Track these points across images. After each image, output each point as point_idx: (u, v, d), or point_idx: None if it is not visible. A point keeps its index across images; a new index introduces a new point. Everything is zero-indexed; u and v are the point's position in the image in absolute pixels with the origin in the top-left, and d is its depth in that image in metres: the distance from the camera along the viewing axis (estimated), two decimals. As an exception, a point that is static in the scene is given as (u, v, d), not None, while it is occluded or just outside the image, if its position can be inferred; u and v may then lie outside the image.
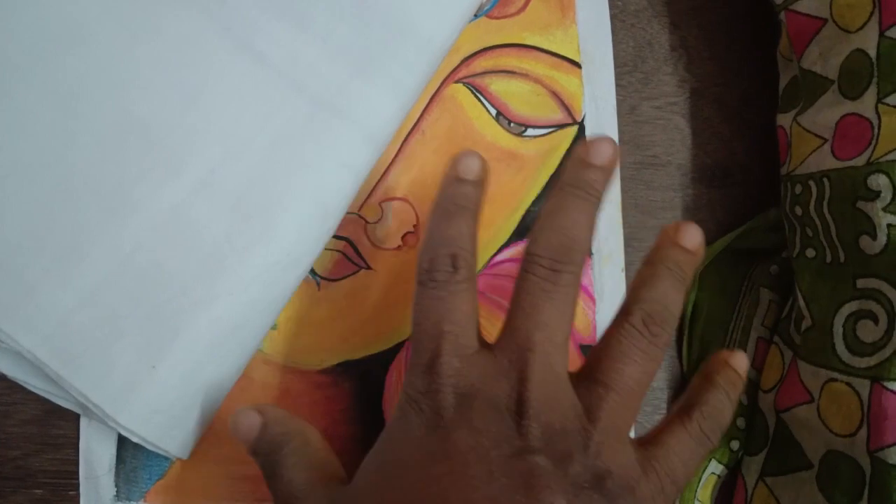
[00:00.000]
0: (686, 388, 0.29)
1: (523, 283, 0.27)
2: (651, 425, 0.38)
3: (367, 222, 0.37)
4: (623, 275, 0.38)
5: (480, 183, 0.30)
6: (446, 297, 0.27)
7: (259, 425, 0.29)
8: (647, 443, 0.27)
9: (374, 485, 0.26)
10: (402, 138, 0.37)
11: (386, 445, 0.27)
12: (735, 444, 0.36)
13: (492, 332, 0.36)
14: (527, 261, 0.28)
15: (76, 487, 0.34)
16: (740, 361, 0.29)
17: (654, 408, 0.38)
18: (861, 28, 0.31)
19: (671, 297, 0.28)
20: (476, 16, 0.38)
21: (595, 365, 0.27)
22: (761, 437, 0.35)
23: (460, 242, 0.28)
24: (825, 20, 0.33)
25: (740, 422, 0.36)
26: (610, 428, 0.26)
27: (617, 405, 0.26)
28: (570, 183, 0.28)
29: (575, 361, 0.36)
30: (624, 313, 0.28)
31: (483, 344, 0.28)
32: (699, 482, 0.36)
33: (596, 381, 0.26)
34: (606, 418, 0.26)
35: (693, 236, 0.29)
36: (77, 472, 0.34)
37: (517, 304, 0.27)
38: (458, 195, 0.29)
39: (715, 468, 0.36)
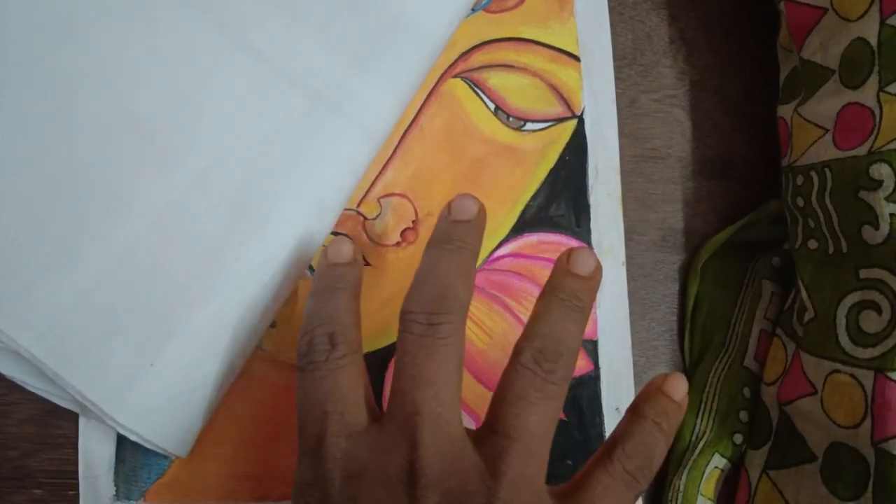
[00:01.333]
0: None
1: (402, 343, 0.26)
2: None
3: (365, 218, 0.36)
4: (623, 268, 0.37)
5: (354, 263, 0.30)
6: (327, 377, 0.27)
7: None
8: (568, 491, 0.26)
9: None
10: (401, 134, 0.37)
11: None
12: (738, 438, 0.36)
13: (492, 328, 0.36)
14: (402, 321, 0.27)
15: (75, 487, 0.33)
16: (676, 386, 0.28)
17: (656, 402, 0.38)
18: (862, 16, 0.31)
19: (565, 329, 0.26)
20: (473, 10, 0.38)
21: (493, 414, 0.26)
22: (764, 431, 0.35)
23: (337, 320, 0.28)
24: (825, 9, 0.32)
25: (743, 415, 0.36)
26: (518, 480, 0.24)
27: (521, 454, 0.25)
28: (441, 238, 0.29)
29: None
30: (515, 353, 0.26)
31: (373, 418, 0.27)
32: (702, 477, 0.35)
33: (496, 432, 0.25)
34: (512, 471, 0.24)
35: (585, 262, 0.28)
36: (76, 472, 0.33)
37: (399, 366, 0.26)
38: (332, 277, 0.29)
39: (718, 462, 0.36)
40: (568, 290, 0.27)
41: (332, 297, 0.29)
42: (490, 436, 0.25)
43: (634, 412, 0.28)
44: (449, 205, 0.29)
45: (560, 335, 0.26)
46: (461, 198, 0.29)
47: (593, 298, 0.28)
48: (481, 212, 0.29)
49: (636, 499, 0.26)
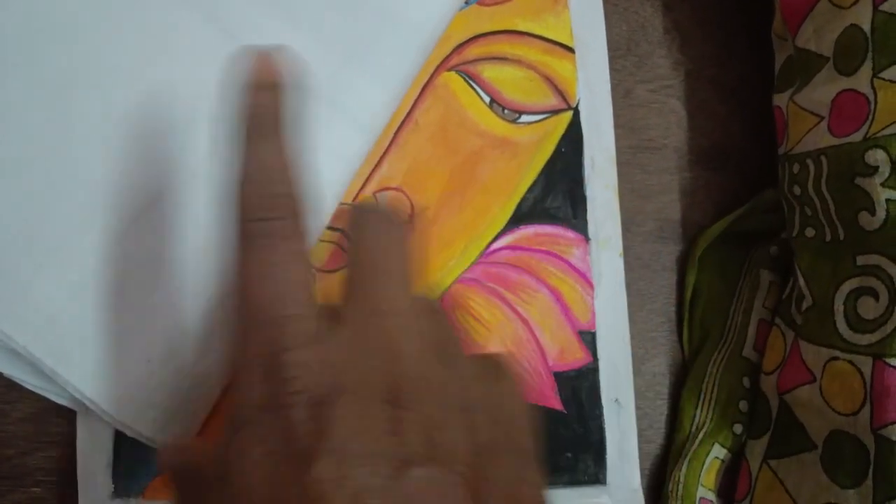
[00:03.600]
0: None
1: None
2: (653, 412, 0.37)
3: (362, 213, 0.36)
4: (621, 259, 0.37)
5: (281, 86, 0.23)
6: (284, 262, 0.21)
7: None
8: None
9: None
10: (396, 128, 0.37)
11: (224, 498, 0.20)
12: (738, 428, 0.36)
13: (490, 321, 0.36)
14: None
15: (74, 485, 0.33)
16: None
17: (655, 394, 0.38)
18: (855, 3, 0.31)
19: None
20: (467, 3, 0.38)
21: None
22: (764, 420, 0.35)
23: (286, 176, 0.22)
24: (818, -4, 0.32)
25: (743, 405, 0.36)
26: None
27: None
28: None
29: (575, 350, 0.36)
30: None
31: (328, 316, 0.21)
32: (703, 467, 0.35)
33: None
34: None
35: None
36: (75, 470, 0.33)
37: (351, 260, 0.23)
38: (258, 109, 0.23)
39: (719, 452, 0.36)
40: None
41: (264, 140, 0.22)
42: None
43: None
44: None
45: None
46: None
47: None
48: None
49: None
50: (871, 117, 0.29)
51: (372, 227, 0.23)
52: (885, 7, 0.29)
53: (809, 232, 0.33)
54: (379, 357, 0.20)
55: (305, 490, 0.18)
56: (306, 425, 0.19)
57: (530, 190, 0.37)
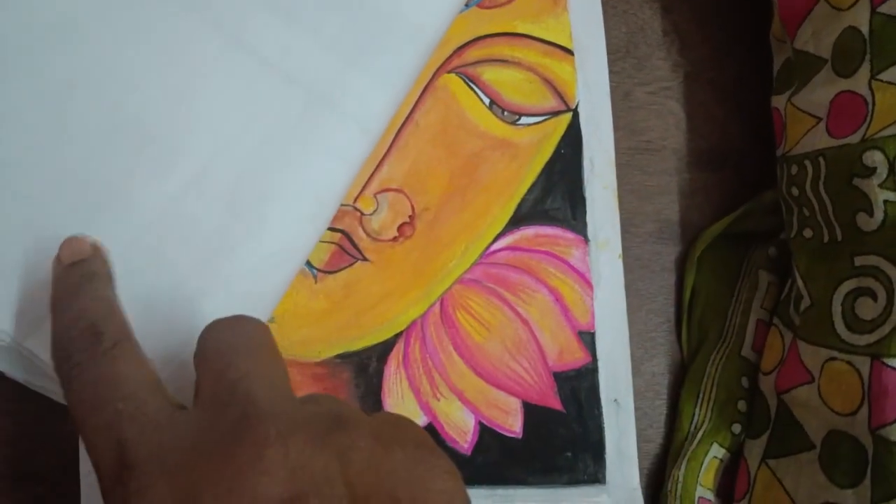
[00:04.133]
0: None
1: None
2: (652, 411, 0.38)
3: (362, 214, 0.36)
4: (620, 261, 0.37)
5: (95, 254, 0.27)
6: (100, 374, 0.22)
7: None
8: None
9: None
10: (396, 130, 0.37)
11: None
12: (737, 428, 0.36)
13: (490, 322, 0.36)
14: None
15: (76, 484, 0.33)
16: None
17: (654, 393, 0.38)
18: (853, 5, 0.31)
19: None
20: (467, 5, 0.38)
21: None
22: (763, 420, 0.35)
23: (93, 311, 0.24)
24: (817, -1, 0.33)
25: (742, 405, 0.36)
26: None
27: None
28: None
29: (574, 350, 0.36)
30: None
31: (172, 403, 0.23)
32: (701, 467, 0.36)
33: None
34: None
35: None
36: (77, 469, 0.33)
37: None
38: (73, 275, 0.26)
39: (717, 452, 0.36)
40: None
41: (78, 291, 0.25)
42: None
43: None
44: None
45: None
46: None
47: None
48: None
49: None
50: (869, 119, 0.30)
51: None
52: (883, 9, 0.29)
53: (808, 233, 0.33)
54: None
55: None
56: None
57: (530, 191, 0.37)
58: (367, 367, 0.35)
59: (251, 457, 0.19)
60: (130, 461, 0.20)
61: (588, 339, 0.37)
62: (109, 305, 0.25)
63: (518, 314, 0.36)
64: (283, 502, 0.18)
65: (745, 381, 0.37)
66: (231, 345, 0.24)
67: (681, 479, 0.35)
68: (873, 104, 0.30)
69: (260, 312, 0.33)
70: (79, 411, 0.22)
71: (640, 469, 0.36)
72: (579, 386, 0.36)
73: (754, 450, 0.35)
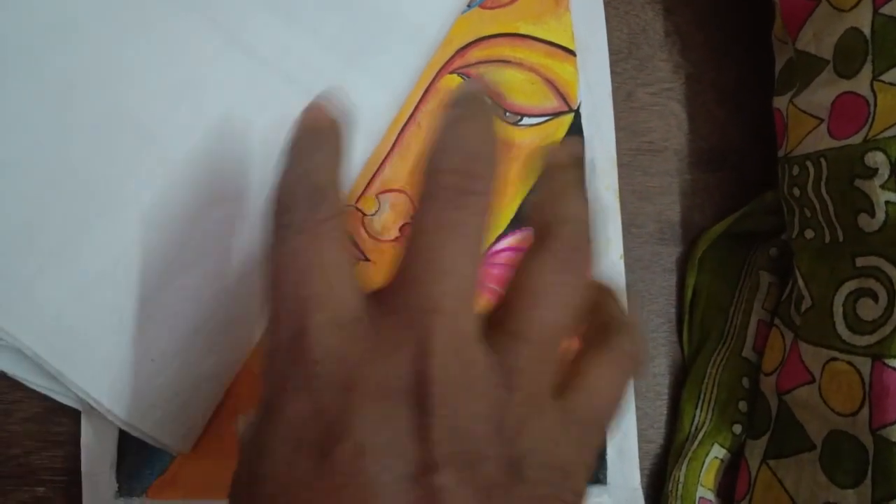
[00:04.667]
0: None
1: (422, 215, 0.21)
2: (653, 412, 0.38)
3: (364, 215, 0.37)
4: (622, 262, 0.37)
5: (337, 124, 0.24)
6: (307, 246, 0.21)
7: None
8: (563, 390, 0.22)
9: None
10: (398, 130, 0.37)
11: (242, 471, 0.21)
12: (738, 428, 0.36)
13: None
14: (426, 182, 0.21)
15: (78, 484, 0.33)
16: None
17: (655, 394, 0.38)
18: (855, 6, 0.31)
19: (585, 212, 0.22)
20: (469, 6, 0.38)
21: (505, 310, 0.21)
22: (764, 421, 0.35)
23: (318, 175, 0.22)
24: (818, 0, 0.33)
25: (742, 405, 0.36)
26: (532, 392, 0.20)
27: (537, 359, 0.21)
28: (460, 99, 0.23)
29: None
30: (539, 238, 0.22)
31: (368, 303, 0.21)
32: (702, 467, 0.36)
33: (508, 332, 0.21)
34: (528, 382, 0.20)
35: (565, 150, 0.24)
36: (79, 469, 0.34)
37: (412, 247, 0.21)
38: (309, 129, 0.24)
39: (718, 452, 0.36)
40: (575, 177, 0.23)
41: (311, 153, 0.23)
42: (501, 336, 0.21)
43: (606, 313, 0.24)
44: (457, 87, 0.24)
45: (585, 218, 0.23)
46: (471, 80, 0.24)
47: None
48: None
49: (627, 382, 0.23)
50: (870, 120, 0.30)
51: (438, 209, 0.21)
52: (885, 10, 0.29)
53: (809, 233, 0.33)
54: (408, 353, 0.19)
55: (322, 479, 0.18)
56: (328, 412, 0.19)
57: (532, 192, 0.37)
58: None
59: None
60: (303, 348, 0.20)
61: (589, 339, 0.37)
62: (335, 176, 0.23)
63: (519, 314, 0.36)
64: None
65: (745, 382, 0.37)
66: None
67: (681, 479, 0.35)
68: (875, 105, 0.30)
69: (263, 311, 0.33)
70: (271, 273, 0.22)
71: (641, 469, 0.36)
72: (581, 386, 0.36)
73: (755, 450, 0.35)
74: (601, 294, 0.25)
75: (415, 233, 0.21)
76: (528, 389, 0.20)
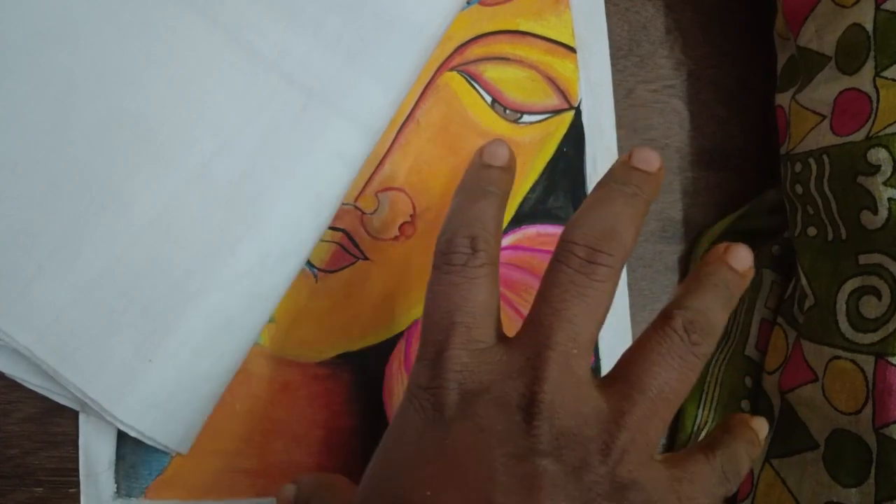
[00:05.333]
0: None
1: (554, 274, 0.25)
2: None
3: (363, 213, 0.36)
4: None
5: (508, 169, 0.29)
6: (462, 284, 0.25)
7: (293, 491, 0.29)
8: (669, 465, 0.25)
9: (370, 488, 0.24)
10: (398, 128, 0.37)
11: (386, 444, 0.25)
12: (740, 428, 0.36)
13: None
14: (560, 249, 0.25)
15: (76, 485, 0.33)
16: (761, 426, 0.28)
17: (657, 393, 0.38)
18: (857, 2, 0.31)
19: (716, 311, 0.25)
20: (469, 3, 0.38)
21: (626, 368, 0.25)
22: (766, 419, 0.34)
23: (481, 225, 0.26)
24: (820, -4, 0.32)
25: (745, 404, 0.36)
26: (638, 437, 0.23)
27: (647, 412, 0.23)
28: (617, 179, 0.26)
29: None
30: (664, 317, 0.25)
31: (500, 339, 0.26)
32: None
33: (627, 383, 0.24)
34: (635, 426, 0.23)
35: (744, 259, 0.26)
36: (77, 470, 0.33)
37: (543, 296, 0.25)
38: (483, 178, 0.28)
39: (720, 452, 0.36)
40: (722, 279, 0.26)
41: (479, 199, 0.27)
42: (618, 387, 0.24)
43: (729, 431, 0.27)
44: (630, 152, 0.27)
45: (711, 315, 0.25)
46: (641, 148, 0.27)
47: (739, 297, 0.27)
48: (660, 167, 0.27)
49: (699, 369, 0.25)
50: (873, 116, 0.29)
51: (570, 272, 0.25)
52: (887, 6, 0.29)
53: (811, 231, 0.33)
54: (525, 378, 0.24)
55: (443, 444, 0.23)
56: (454, 406, 0.24)
57: (532, 190, 0.37)
58: (368, 367, 0.35)
59: None
60: (442, 361, 0.25)
61: (590, 338, 0.36)
62: (496, 226, 0.27)
63: (521, 314, 0.36)
64: None
65: (748, 381, 0.36)
66: None
67: (684, 479, 0.35)
68: (878, 102, 0.29)
69: (260, 312, 0.33)
70: (430, 302, 0.26)
71: (643, 469, 0.36)
72: (582, 385, 0.36)
73: (758, 449, 0.34)
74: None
75: (546, 285, 0.25)
76: (634, 433, 0.23)
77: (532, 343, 0.24)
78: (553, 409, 0.23)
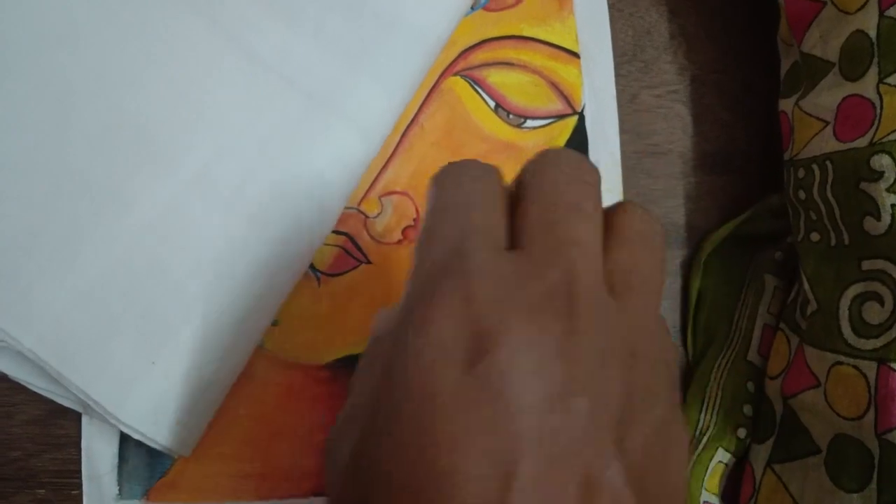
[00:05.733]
0: None
1: (551, 182, 0.23)
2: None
3: (366, 217, 0.36)
4: (626, 264, 0.37)
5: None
6: (478, 184, 0.23)
7: None
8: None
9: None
10: (401, 132, 0.37)
11: (381, 365, 0.21)
12: (742, 432, 0.36)
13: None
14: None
15: (79, 487, 0.33)
16: None
17: (659, 398, 0.38)
18: (861, 8, 0.31)
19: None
20: (473, 8, 0.38)
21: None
22: (769, 425, 0.34)
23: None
24: (824, 2, 0.32)
25: (747, 409, 0.36)
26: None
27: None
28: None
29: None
30: None
31: (513, 243, 0.22)
32: (706, 472, 0.35)
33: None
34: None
35: None
36: (80, 472, 0.34)
37: (547, 194, 0.22)
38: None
39: (722, 457, 0.36)
40: None
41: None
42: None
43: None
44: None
45: None
46: None
47: None
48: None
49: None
50: (876, 122, 0.29)
51: (562, 166, 0.23)
52: (891, 12, 0.29)
53: (814, 237, 0.33)
54: (556, 274, 0.20)
55: (466, 391, 0.19)
56: (480, 324, 0.20)
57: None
58: (372, 370, 0.35)
59: None
60: (466, 265, 0.21)
61: (593, 342, 0.36)
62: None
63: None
64: None
65: (750, 386, 0.36)
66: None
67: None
68: (881, 108, 0.29)
69: (263, 315, 0.33)
70: (437, 202, 0.23)
71: (645, 474, 0.36)
72: (584, 390, 0.36)
73: (760, 454, 0.34)
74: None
75: (548, 183, 0.22)
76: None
77: (549, 242, 0.22)
78: (592, 315, 0.21)
